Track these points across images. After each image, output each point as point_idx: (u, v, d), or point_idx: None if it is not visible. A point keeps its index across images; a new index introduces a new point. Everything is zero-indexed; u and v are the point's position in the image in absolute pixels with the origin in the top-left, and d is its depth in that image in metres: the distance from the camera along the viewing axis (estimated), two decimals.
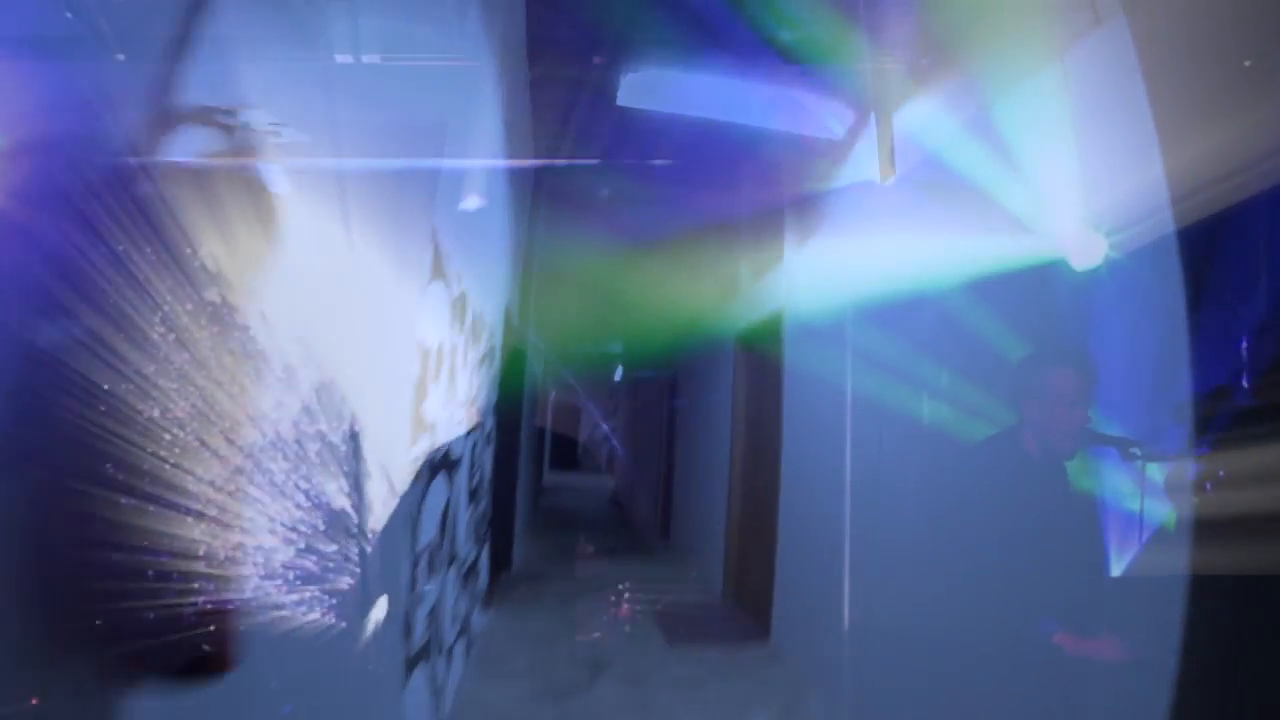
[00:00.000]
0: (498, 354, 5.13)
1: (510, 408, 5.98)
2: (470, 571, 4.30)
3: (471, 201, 3.64)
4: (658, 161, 5.19)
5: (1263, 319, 2.59)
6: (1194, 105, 2.43)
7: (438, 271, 3.04)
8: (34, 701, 1.05)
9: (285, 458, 1.69)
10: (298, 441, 1.76)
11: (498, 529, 5.25)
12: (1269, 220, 2.68)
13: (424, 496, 2.93)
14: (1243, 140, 2.34)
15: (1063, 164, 2.80)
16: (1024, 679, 2.43)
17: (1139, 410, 2.70)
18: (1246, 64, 2.45)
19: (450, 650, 3.71)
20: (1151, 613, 2.37)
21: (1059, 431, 2.61)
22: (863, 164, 3.97)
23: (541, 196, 6.40)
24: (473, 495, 4.32)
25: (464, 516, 3.98)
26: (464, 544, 4.00)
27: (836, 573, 4.15)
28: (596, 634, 3.29)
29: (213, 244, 1.33)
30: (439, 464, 3.24)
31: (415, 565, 2.79)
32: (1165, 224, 2.64)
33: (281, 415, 1.69)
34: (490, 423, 4.96)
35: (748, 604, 6.02)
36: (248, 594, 1.50)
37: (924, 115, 3.47)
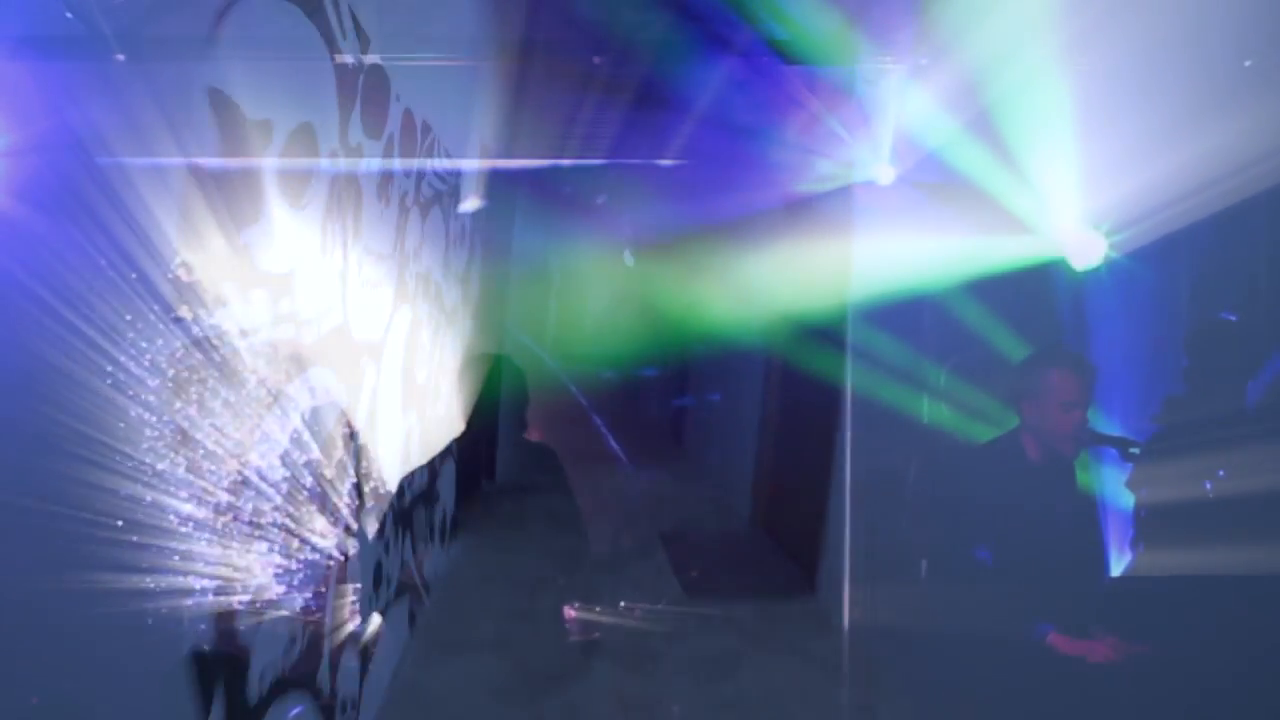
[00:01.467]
0: (460, 187, 3.56)
1: (491, 265, 4.39)
2: (420, 503, 3.17)
3: None
4: (665, 161, 5.09)
5: (1262, 319, 2.59)
6: (1194, 105, 2.44)
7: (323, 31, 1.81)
8: (34, 701, 1.06)
9: None
10: None
11: (474, 432, 3.79)
12: (1269, 220, 2.69)
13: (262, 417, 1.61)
14: (1243, 140, 2.34)
15: (1063, 164, 2.81)
16: None
17: (1138, 410, 2.71)
18: (1246, 64, 2.45)
19: (365, 643, 2.44)
20: (1148, 610, 2.37)
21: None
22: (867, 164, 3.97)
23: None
24: (411, 400, 3.03)
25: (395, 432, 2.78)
26: (399, 476, 2.88)
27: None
28: (593, 577, 2.45)
29: None
30: (318, 354, 1.92)
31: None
32: (1165, 224, 2.65)
33: None
34: (453, 292, 3.57)
35: (784, 536, 4.69)
36: None
37: (924, 115, 3.47)
